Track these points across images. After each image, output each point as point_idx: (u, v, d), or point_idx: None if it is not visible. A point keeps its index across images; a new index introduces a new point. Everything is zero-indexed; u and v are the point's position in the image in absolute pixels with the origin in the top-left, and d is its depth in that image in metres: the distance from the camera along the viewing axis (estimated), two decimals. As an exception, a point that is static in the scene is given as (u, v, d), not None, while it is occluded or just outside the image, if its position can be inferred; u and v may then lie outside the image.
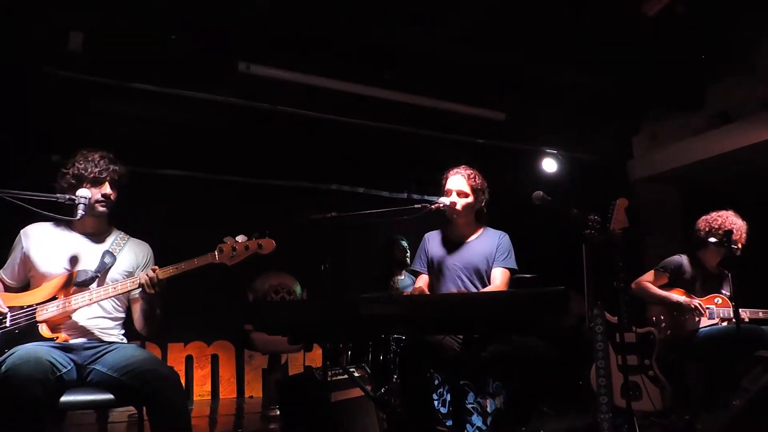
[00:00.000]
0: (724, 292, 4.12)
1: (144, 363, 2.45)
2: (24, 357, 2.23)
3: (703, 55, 5.28)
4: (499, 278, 3.18)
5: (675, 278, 4.18)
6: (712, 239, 3.96)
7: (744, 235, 4.03)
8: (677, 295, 4.10)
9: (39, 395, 2.17)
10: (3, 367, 2.22)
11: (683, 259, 4.22)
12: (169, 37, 4.54)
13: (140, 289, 2.56)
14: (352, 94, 5.27)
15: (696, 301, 4.03)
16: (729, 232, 3.83)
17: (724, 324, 4.02)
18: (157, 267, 2.58)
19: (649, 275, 4.23)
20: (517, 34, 4.85)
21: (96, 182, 2.65)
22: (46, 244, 2.67)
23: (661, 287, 4.19)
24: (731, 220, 4.02)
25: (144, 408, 2.47)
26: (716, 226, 4.02)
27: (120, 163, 2.75)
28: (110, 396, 2.48)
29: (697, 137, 6.00)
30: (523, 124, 6.03)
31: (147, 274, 2.54)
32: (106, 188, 2.68)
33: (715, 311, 4.05)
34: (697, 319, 4.03)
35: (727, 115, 5.76)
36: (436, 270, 3.33)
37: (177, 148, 5.88)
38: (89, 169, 2.64)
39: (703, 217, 4.17)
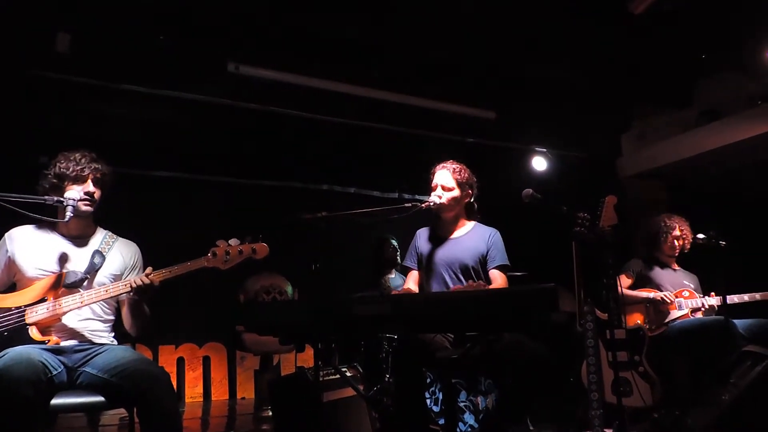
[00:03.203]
0: (686, 283, 4.38)
1: (134, 363, 2.43)
2: (16, 358, 2.21)
3: (694, 53, 5.31)
4: (498, 279, 3.17)
5: (638, 278, 4.45)
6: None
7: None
8: (646, 293, 4.33)
9: (31, 396, 2.15)
10: None
11: (639, 261, 4.49)
12: (158, 37, 4.52)
13: (132, 292, 2.54)
14: (342, 94, 5.27)
15: (663, 293, 4.26)
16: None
17: (696, 315, 4.27)
18: (151, 269, 2.56)
19: (622, 279, 4.40)
20: (506, 33, 4.87)
21: (78, 180, 2.61)
22: (33, 248, 2.63)
23: (630, 287, 4.42)
24: (680, 224, 4.42)
25: (135, 410, 2.44)
26: (669, 226, 4.40)
27: (102, 161, 2.71)
28: (101, 398, 2.46)
29: (686, 134, 6.04)
30: (513, 122, 6.06)
31: (141, 279, 2.52)
32: (89, 186, 2.64)
33: (683, 303, 4.27)
34: (668, 310, 4.24)
35: (715, 112, 5.80)
36: (424, 266, 3.32)
37: (167, 149, 5.86)
38: (71, 168, 2.60)
39: (653, 220, 4.52)
